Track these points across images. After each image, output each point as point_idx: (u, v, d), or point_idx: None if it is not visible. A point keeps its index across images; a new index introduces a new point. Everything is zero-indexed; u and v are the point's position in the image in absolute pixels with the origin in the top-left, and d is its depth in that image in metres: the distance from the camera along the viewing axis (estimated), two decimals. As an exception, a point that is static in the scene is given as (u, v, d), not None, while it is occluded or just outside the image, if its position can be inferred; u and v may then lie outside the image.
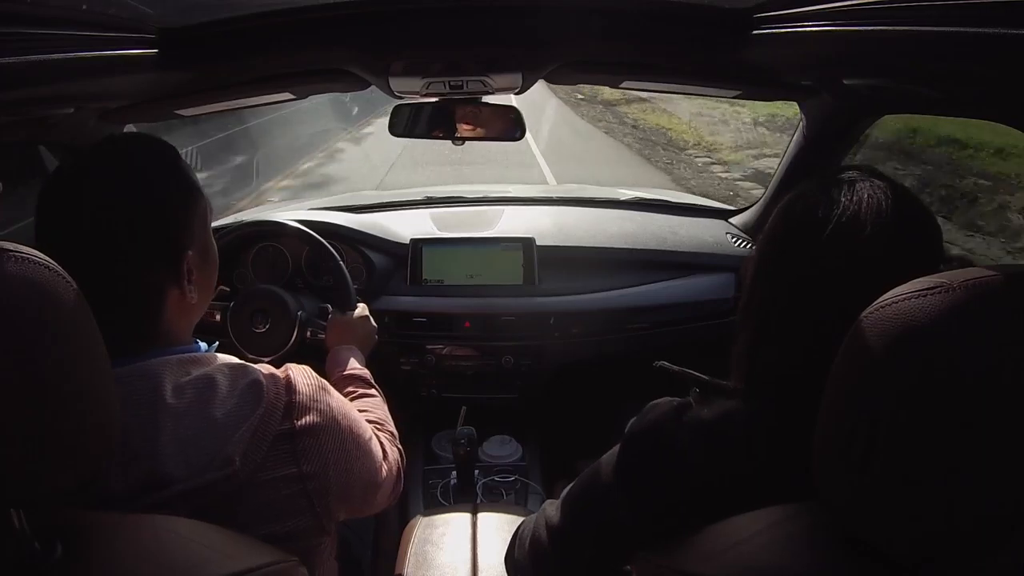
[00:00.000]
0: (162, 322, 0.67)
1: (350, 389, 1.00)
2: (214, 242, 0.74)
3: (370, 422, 0.89)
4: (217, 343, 0.77)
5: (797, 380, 0.57)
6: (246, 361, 0.68)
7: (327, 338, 1.19)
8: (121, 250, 0.63)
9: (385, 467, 0.80)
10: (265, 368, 0.67)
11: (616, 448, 0.67)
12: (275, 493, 0.62)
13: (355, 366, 1.05)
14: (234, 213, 1.83)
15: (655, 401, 0.66)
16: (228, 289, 1.31)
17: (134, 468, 0.57)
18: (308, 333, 1.26)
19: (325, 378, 0.72)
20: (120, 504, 0.56)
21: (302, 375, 0.68)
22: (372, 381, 1.04)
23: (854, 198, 0.58)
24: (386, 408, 0.99)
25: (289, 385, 0.65)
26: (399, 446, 0.91)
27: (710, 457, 0.60)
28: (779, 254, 0.62)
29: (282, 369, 0.68)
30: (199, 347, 0.70)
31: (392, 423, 0.96)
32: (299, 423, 0.64)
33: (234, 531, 0.55)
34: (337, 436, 0.68)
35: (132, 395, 0.59)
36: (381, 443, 0.82)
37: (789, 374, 0.59)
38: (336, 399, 0.71)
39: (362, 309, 1.24)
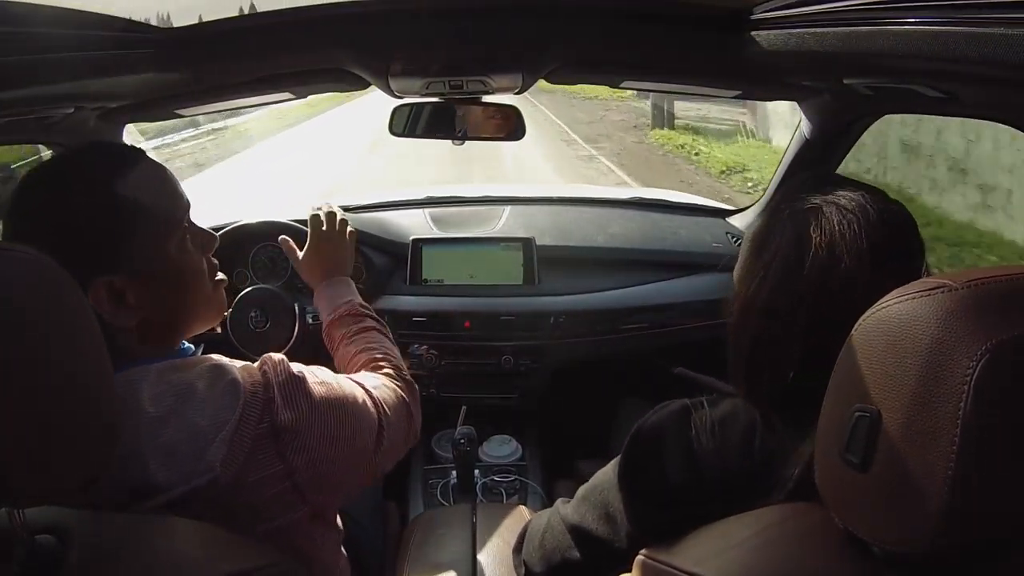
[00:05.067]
0: (120, 340, 0.64)
1: (344, 331, 0.93)
2: (183, 256, 0.69)
3: (372, 361, 0.86)
4: (203, 345, 0.76)
5: (790, 390, 0.57)
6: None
7: (304, 276, 1.03)
8: None
9: (384, 423, 0.74)
10: (242, 365, 0.65)
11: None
12: (264, 492, 0.61)
13: (343, 301, 0.96)
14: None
15: (667, 401, 0.67)
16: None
17: (121, 476, 0.56)
18: (309, 321, 1.26)
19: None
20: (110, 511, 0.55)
21: (277, 368, 0.65)
22: (366, 311, 0.96)
23: (825, 232, 0.58)
24: (384, 338, 0.93)
25: (266, 381, 0.63)
26: (407, 377, 0.86)
27: (714, 453, 0.60)
28: (760, 291, 0.62)
29: (258, 363, 0.66)
30: (184, 351, 0.68)
31: (396, 353, 0.91)
32: (279, 420, 0.62)
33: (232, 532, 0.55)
34: (321, 424, 0.65)
35: None
36: (376, 400, 0.75)
37: (781, 386, 0.59)
38: (315, 381, 0.67)
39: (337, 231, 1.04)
